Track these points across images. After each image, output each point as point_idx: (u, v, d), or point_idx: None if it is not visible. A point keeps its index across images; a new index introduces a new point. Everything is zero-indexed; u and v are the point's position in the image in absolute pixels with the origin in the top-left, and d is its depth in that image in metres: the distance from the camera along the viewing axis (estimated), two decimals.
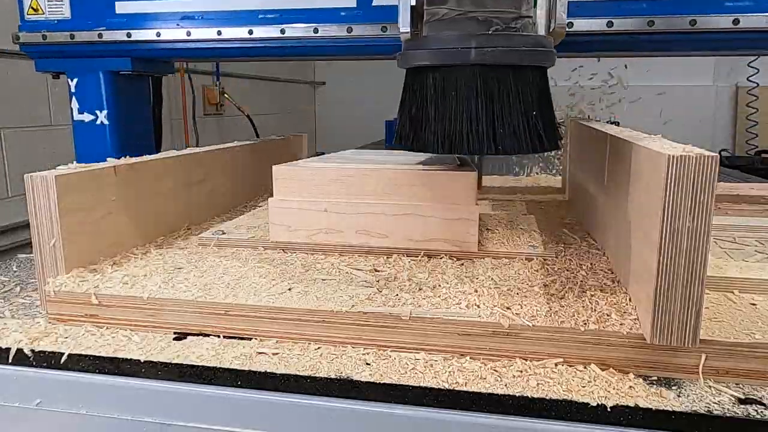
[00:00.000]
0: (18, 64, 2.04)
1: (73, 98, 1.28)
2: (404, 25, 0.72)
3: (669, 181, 0.49)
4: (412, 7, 0.72)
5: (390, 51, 0.94)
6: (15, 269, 0.89)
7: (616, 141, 0.71)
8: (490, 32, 0.62)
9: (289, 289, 0.67)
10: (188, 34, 1.17)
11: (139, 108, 1.35)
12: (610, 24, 1.00)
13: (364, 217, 0.80)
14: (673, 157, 0.49)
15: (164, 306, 0.66)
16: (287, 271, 0.74)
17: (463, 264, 0.76)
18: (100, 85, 1.26)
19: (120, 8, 1.20)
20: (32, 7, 1.24)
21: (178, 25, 1.17)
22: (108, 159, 0.83)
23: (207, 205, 1.06)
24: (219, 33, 1.16)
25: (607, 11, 1.00)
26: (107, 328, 0.67)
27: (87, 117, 1.28)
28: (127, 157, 0.87)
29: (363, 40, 1.11)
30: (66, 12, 1.22)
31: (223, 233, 0.88)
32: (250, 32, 1.16)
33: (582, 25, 1.00)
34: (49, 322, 0.69)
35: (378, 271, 0.74)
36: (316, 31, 1.13)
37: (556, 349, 0.57)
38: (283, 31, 1.15)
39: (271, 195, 0.84)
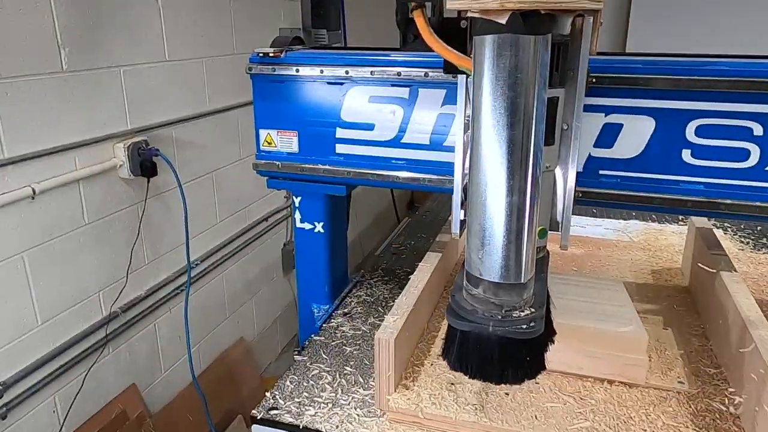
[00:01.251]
0: None
1: (297, 211, 1.63)
2: (455, 230, 1.12)
3: None
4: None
5: None
6: (325, 357, 1.40)
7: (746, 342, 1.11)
8: (502, 313, 0.96)
9: (535, 417, 1.14)
10: (397, 177, 1.45)
11: (342, 219, 1.73)
12: None
13: (566, 355, 1.25)
14: None
15: (462, 425, 1.14)
16: (524, 393, 1.21)
17: (636, 396, 1.20)
18: (319, 203, 1.60)
19: (340, 149, 1.47)
20: (267, 141, 1.55)
21: (392, 167, 1.44)
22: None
23: (434, 304, 1.53)
24: (423, 180, 1.43)
25: None
26: (427, 430, 1.17)
27: (307, 226, 1.63)
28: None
29: None
30: (295, 147, 1.51)
31: None
32: (450, 182, 1.39)
33: None
34: (390, 421, 1.19)
35: (583, 399, 1.19)
36: None
37: None
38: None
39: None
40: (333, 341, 1.50)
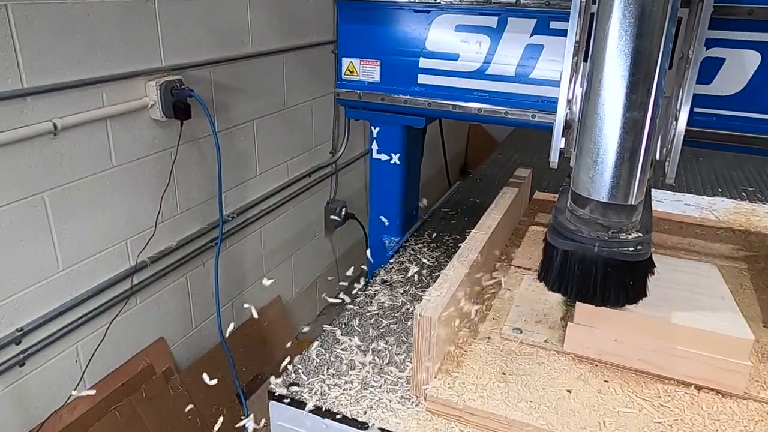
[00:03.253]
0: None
1: (374, 141, 1.63)
2: (553, 158, 1.11)
3: None
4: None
5: None
6: (358, 329, 1.23)
7: None
8: (609, 234, 0.93)
9: (603, 423, 0.94)
10: (479, 110, 1.43)
11: (417, 151, 1.70)
12: None
13: (647, 352, 1.03)
14: None
15: (515, 426, 0.95)
16: (591, 393, 1.00)
17: (731, 407, 0.97)
18: (397, 134, 1.60)
19: (422, 80, 1.47)
20: (349, 70, 1.55)
21: (474, 98, 1.42)
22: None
23: (487, 272, 1.33)
24: (506, 113, 1.40)
25: None
26: (470, 427, 0.98)
27: (383, 157, 1.63)
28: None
29: None
30: (376, 77, 1.52)
31: (521, 331, 1.15)
32: (533, 116, 1.37)
33: None
34: (427, 411, 1.01)
35: (663, 406, 0.98)
36: None
37: None
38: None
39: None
40: (368, 311, 1.33)
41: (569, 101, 1.09)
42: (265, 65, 2.36)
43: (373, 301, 1.37)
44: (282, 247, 2.76)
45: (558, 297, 1.27)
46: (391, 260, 1.58)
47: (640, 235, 0.94)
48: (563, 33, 1.29)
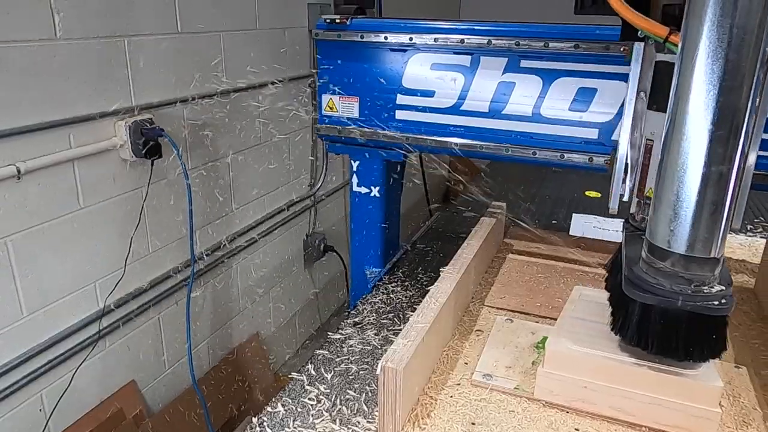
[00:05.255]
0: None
1: (354, 175, 1.66)
2: (613, 205, 1.11)
3: None
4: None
5: None
6: (325, 375, 1.20)
7: None
8: (692, 287, 0.91)
9: None
10: (455, 144, 1.47)
11: (396, 183, 1.73)
12: None
13: (617, 399, 1.01)
14: None
15: None
16: None
17: None
18: (377, 168, 1.63)
19: (399, 115, 1.51)
20: (329, 106, 1.59)
21: (450, 133, 1.46)
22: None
23: (459, 314, 1.31)
24: (480, 147, 1.43)
25: None
26: None
27: (363, 190, 1.67)
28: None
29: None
30: (356, 112, 1.55)
31: (491, 377, 1.13)
32: (507, 150, 1.39)
33: None
34: None
35: None
36: (561, 156, 1.34)
37: None
38: (534, 153, 1.37)
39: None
40: (338, 357, 1.30)
41: (632, 146, 1.09)
42: (240, 100, 2.35)
43: (343, 346, 1.35)
44: (260, 282, 2.71)
45: (530, 340, 1.25)
46: (364, 299, 1.55)
47: (723, 288, 0.91)
48: (533, 71, 1.34)
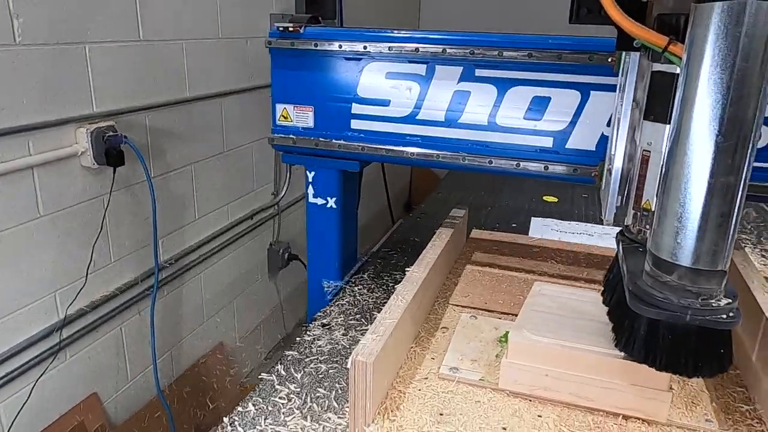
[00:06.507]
0: None
1: (310, 186, 1.64)
2: (608, 217, 1.09)
3: None
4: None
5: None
6: (295, 374, 1.22)
7: None
8: (699, 301, 0.88)
9: None
10: (411, 154, 1.47)
11: (353, 194, 1.72)
12: None
13: (576, 385, 1.06)
14: None
15: None
16: (525, 429, 1.02)
17: None
18: (333, 178, 1.61)
19: (355, 125, 1.50)
20: (283, 116, 1.56)
21: (406, 143, 1.46)
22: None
23: (425, 312, 1.34)
24: (437, 156, 1.44)
25: None
26: None
27: (320, 201, 1.65)
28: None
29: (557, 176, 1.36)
30: (310, 122, 1.54)
31: (457, 370, 1.17)
32: (463, 159, 1.42)
33: None
34: None
35: None
36: (517, 165, 1.38)
37: None
38: (490, 162, 1.40)
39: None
40: (308, 357, 1.32)
41: (630, 156, 1.08)
42: (204, 109, 2.35)
43: (312, 346, 1.36)
44: (224, 292, 2.69)
45: (494, 335, 1.30)
46: (331, 303, 1.57)
47: (730, 301, 0.89)
48: (488, 80, 1.37)
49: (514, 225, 2.26)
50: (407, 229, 2.20)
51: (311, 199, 1.64)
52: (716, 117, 0.81)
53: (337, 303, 1.57)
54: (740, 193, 0.84)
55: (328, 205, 1.62)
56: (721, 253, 0.86)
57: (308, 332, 1.42)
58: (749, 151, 0.82)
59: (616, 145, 1.10)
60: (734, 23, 0.77)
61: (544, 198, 2.60)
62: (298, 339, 1.39)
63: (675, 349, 0.92)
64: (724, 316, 0.87)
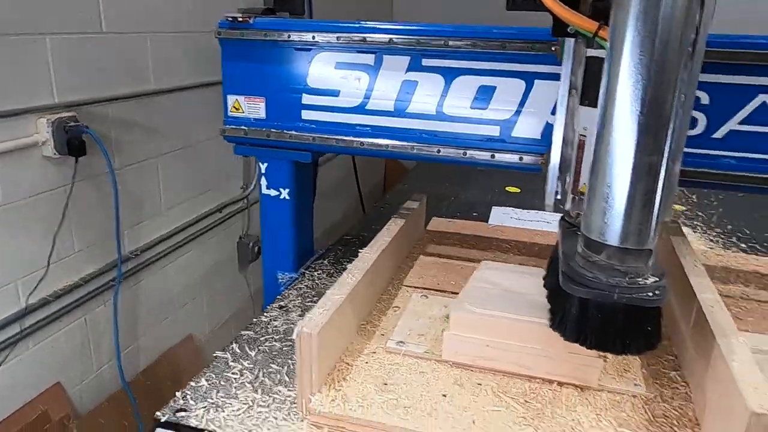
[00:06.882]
0: None
1: (263, 177, 1.65)
2: (548, 202, 1.13)
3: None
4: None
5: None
6: (249, 352, 1.26)
7: (702, 322, 0.99)
8: (627, 280, 0.90)
9: (473, 422, 1.01)
10: (361, 144, 1.49)
11: (308, 187, 1.73)
12: None
13: (515, 355, 1.12)
14: (756, 414, 0.78)
15: (385, 428, 1.00)
16: (465, 396, 1.07)
17: (587, 398, 1.07)
18: (285, 169, 1.62)
19: (306, 115, 1.52)
20: (234, 107, 1.57)
21: (356, 133, 1.48)
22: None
23: (378, 293, 1.39)
24: (386, 147, 1.47)
25: None
26: None
27: (273, 192, 1.65)
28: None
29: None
30: (262, 113, 1.55)
31: (404, 344, 1.22)
32: (412, 148, 1.46)
33: None
34: (311, 425, 1.05)
35: (528, 402, 1.06)
36: (465, 154, 1.42)
37: None
38: (438, 151, 1.44)
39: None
40: (263, 336, 1.36)
41: (568, 142, 1.11)
42: (170, 102, 2.37)
43: (268, 327, 1.40)
44: (194, 284, 2.71)
45: (443, 313, 1.35)
46: (290, 286, 1.61)
47: (657, 279, 0.91)
48: (435, 70, 1.41)
49: (475, 214, 2.31)
50: (371, 220, 2.24)
51: (264, 191, 1.64)
52: (638, 97, 0.84)
53: (296, 287, 1.60)
54: (663, 173, 0.87)
55: (282, 197, 1.63)
56: (647, 232, 0.89)
57: (265, 314, 1.46)
58: (670, 131, 0.85)
59: (554, 132, 1.13)
60: (653, 5, 0.80)
61: (507, 189, 2.67)
62: (254, 320, 1.42)
63: (604, 327, 0.94)
64: (651, 293, 0.89)
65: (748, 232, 2.17)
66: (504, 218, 2.28)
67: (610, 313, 0.93)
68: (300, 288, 1.60)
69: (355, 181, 3.99)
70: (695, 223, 2.27)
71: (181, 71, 2.42)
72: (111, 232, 2.08)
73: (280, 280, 1.71)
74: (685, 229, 2.17)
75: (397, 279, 1.55)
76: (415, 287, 1.50)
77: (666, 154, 0.86)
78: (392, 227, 1.56)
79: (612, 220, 0.89)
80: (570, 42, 1.09)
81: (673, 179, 1.01)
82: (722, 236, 2.12)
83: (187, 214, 2.60)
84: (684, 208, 2.44)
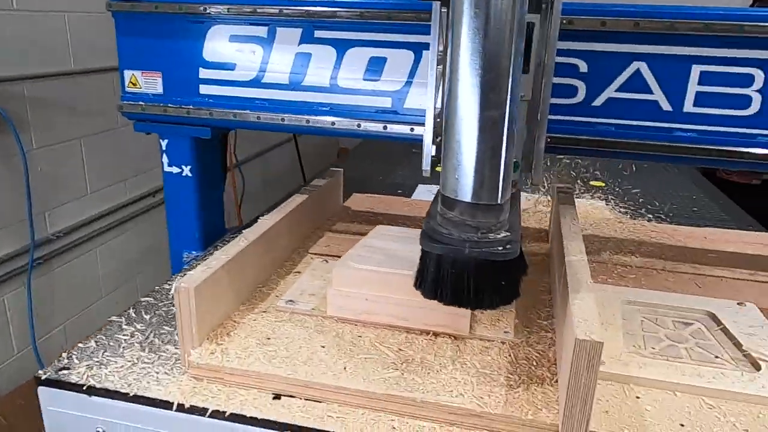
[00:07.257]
0: None
1: (164, 154, 1.64)
2: (425, 167, 1.14)
3: (575, 356, 0.85)
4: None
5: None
6: (145, 316, 1.28)
7: (566, 277, 1.06)
8: (478, 235, 0.95)
9: (345, 368, 1.06)
10: (258, 118, 1.50)
11: (214, 162, 1.72)
12: None
13: (393, 307, 1.17)
14: (578, 340, 0.84)
15: (267, 378, 1.04)
16: (343, 346, 1.12)
17: (458, 345, 1.13)
18: (186, 146, 1.62)
19: (203, 90, 1.53)
20: (131, 82, 1.57)
21: (253, 107, 1.49)
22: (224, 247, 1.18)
23: (279, 259, 1.43)
24: (282, 120, 1.49)
25: None
26: (229, 386, 1.06)
27: (175, 169, 1.65)
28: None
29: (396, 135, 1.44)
30: (159, 88, 1.55)
31: (294, 303, 1.26)
32: (308, 121, 1.49)
33: None
34: (191, 377, 1.08)
35: (401, 350, 1.12)
36: (359, 126, 1.46)
37: (507, 426, 0.95)
38: (333, 124, 1.47)
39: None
40: (162, 302, 1.38)
41: (438, 109, 1.12)
42: (92, 83, 2.36)
43: (170, 294, 1.42)
44: (126, 268, 2.71)
45: None
46: (199, 258, 1.63)
47: (509, 234, 0.93)
48: (327, 41, 1.44)
49: (399, 191, 2.37)
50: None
51: (166, 168, 1.63)
52: (476, 53, 0.88)
53: (205, 256, 1.63)
54: (506, 127, 0.90)
55: (183, 174, 1.62)
56: (495, 187, 0.93)
57: (169, 282, 1.48)
58: (510, 85, 0.89)
59: (426, 98, 1.15)
60: None
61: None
62: (157, 287, 1.44)
63: (458, 283, 0.97)
64: (501, 248, 0.92)
65: (657, 204, 2.28)
66: (428, 195, 2.34)
67: (462, 267, 0.96)
68: (207, 257, 1.62)
69: (299, 162, 4.01)
70: (610, 197, 2.38)
71: (105, 53, 2.40)
72: (26, 213, 2.07)
73: (185, 259, 1.69)
74: (597, 202, 2.29)
75: (304, 248, 1.59)
76: (320, 254, 1.54)
77: (507, 109, 0.90)
78: (298, 198, 1.60)
79: (462, 177, 0.93)
80: (437, 6, 1.11)
81: (540, 141, 1.09)
82: (631, 208, 2.22)
83: (117, 197, 2.59)
84: (603, 184, 2.55)
